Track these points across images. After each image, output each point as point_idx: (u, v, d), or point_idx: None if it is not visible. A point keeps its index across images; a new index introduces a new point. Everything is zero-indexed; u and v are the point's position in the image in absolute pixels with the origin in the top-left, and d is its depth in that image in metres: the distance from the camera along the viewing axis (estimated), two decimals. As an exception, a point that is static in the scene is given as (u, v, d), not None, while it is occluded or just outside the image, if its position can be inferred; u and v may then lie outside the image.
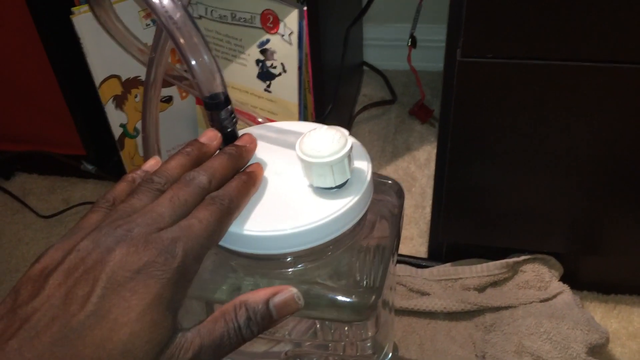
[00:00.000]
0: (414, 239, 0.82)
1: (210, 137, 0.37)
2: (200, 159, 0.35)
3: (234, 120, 0.41)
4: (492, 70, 0.55)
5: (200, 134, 0.38)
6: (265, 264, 0.40)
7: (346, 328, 0.42)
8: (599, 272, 0.72)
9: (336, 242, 0.40)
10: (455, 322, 0.69)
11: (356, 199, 0.39)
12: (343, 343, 0.44)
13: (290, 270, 0.40)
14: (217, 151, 0.38)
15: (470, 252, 0.73)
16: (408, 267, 0.73)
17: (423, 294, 0.70)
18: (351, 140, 0.39)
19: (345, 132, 0.39)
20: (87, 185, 0.94)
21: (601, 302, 0.71)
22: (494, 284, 0.69)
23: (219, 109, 0.39)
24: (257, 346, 0.54)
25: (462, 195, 0.67)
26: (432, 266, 0.73)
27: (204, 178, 0.33)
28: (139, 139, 0.88)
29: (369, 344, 0.43)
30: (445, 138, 0.62)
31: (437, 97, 1.07)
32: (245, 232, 0.38)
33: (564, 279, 0.69)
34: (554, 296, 0.66)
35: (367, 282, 0.41)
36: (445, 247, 0.74)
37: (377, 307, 0.40)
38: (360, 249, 0.42)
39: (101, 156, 0.93)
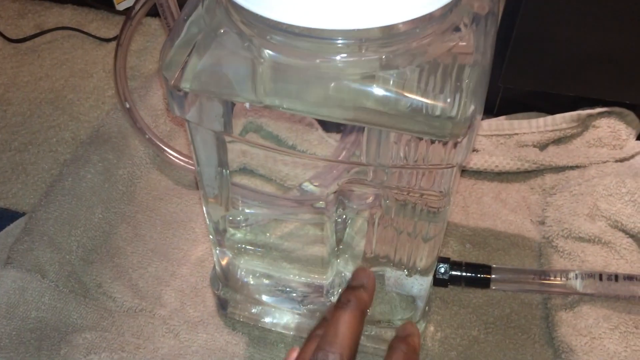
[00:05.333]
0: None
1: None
2: None
3: None
4: None
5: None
6: (312, 46, 0.27)
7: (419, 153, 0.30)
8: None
9: (417, 26, 0.28)
10: (505, 183, 0.58)
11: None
12: (417, 173, 0.32)
13: (341, 57, 0.27)
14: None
15: (528, 106, 0.61)
16: (453, 119, 0.61)
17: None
18: None
19: None
20: (64, 11, 0.78)
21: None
22: (558, 141, 0.58)
23: None
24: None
25: (533, 35, 0.54)
26: (482, 119, 0.61)
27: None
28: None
29: (449, 180, 0.32)
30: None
31: None
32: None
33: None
34: (632, 156, 0.55)
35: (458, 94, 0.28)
36: (499, 99, 0.62)
37: (475, 123, 0.28)
38: (437, 57, 0.29)
39: (81, -24, 0.76)
